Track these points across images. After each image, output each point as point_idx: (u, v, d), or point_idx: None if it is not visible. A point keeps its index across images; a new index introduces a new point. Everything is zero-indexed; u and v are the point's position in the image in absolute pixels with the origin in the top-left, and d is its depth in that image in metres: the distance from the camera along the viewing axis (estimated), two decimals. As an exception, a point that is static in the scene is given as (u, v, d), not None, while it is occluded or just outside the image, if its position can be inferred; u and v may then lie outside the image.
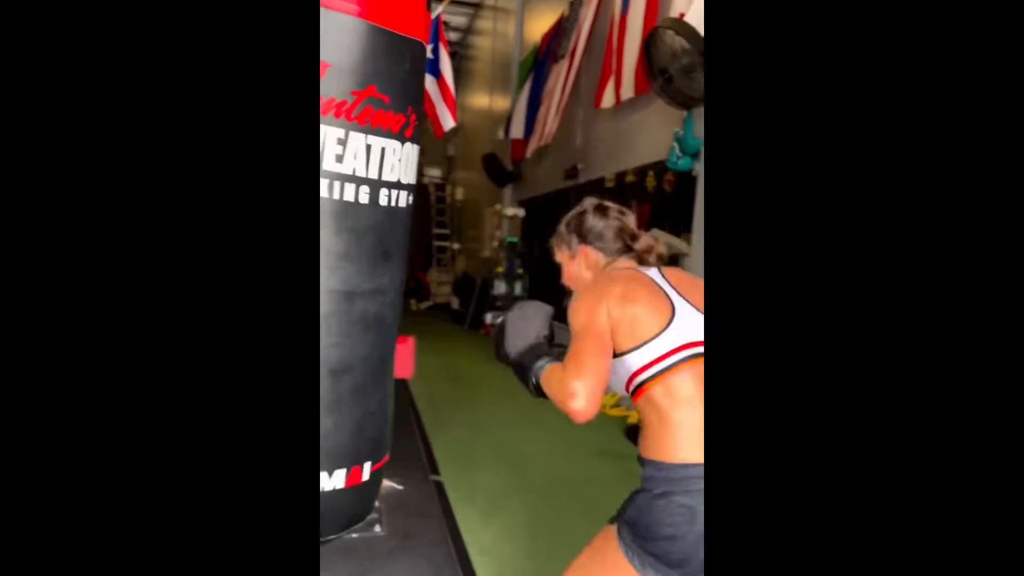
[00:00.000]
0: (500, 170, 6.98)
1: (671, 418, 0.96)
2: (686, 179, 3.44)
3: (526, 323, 1.13)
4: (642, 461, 1.02)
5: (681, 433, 0.95)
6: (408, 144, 1.59)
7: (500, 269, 6.86)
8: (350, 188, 1.49)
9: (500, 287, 6.86)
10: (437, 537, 2.03)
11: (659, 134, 3.72)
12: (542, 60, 5.96)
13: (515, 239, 6.73)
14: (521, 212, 6.63)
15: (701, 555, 0.90)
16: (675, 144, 3.37)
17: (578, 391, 0.92)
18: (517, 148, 6.68)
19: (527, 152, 5.70)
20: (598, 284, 1.08)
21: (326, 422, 1.56)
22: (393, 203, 1.59)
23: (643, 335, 0.98)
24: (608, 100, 4.18)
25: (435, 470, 2.63)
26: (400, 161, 1.57)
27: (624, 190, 4.27)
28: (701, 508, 0.91)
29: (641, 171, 4.02)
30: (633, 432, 3.31)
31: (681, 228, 3.49)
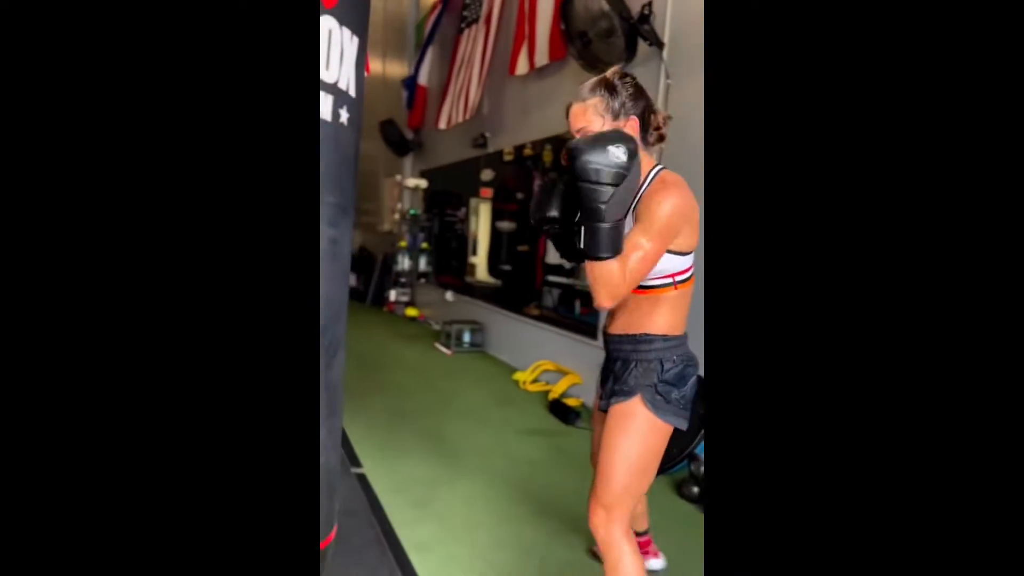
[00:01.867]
0: (400, 139, 6.63)
1: (681, 311, 1.22)
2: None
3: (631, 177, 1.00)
4: (649, 337, 1.20)
5: (682, 320, 1.23)
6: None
7: (403, 244, 6.60)
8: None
9: (404, 262, 6.62)
10: (367, 536, 1.85)
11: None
12: (437, 19, 5.68)
13: (417, 211, 6.47)
14: (424, 183, 6.36)
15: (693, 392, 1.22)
16: (592, 112, 3.30)
17: (615, 292, 1.05)
18: (416, 115, 6.36)
19: (440, 124, 5.40)
20: (682, 188, 1.10)
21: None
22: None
23: (693, 246, 1.16)
24: (522, 67, 4.02)
25: (356, 462, 2.42)
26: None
27: (524, 161, 4.23)
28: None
29: (554, 141, 3.93)
30: (557, 407, 3.27)
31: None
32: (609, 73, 1.17)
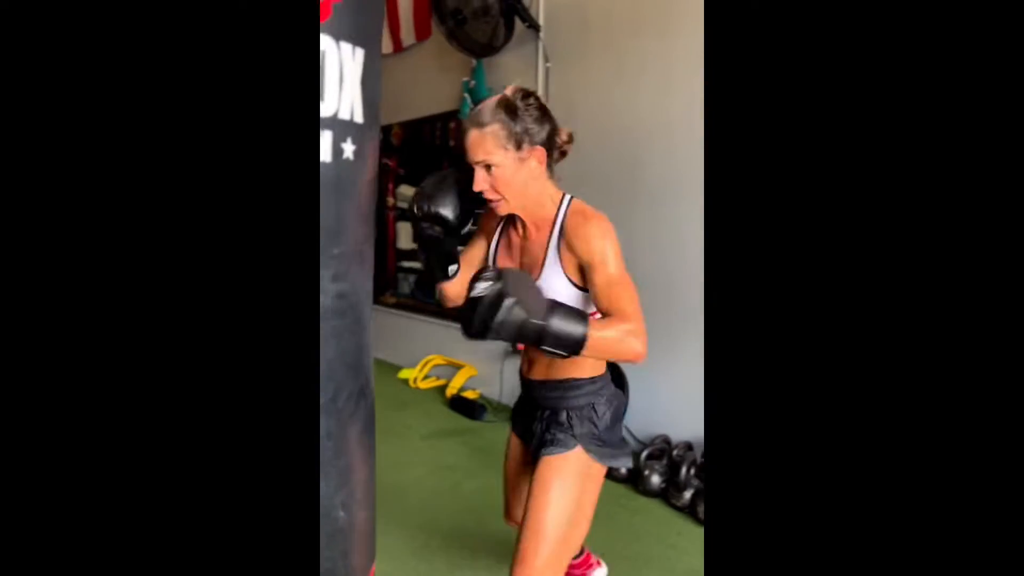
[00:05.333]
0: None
1: None
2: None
3: (529, 284, 0.97)
4: (577, 382, 1.13)
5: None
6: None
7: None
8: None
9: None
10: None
11: (442, 83, 3.46)
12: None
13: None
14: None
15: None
16: (466, 95, 3.17)
17: (644, 338, 0.96)
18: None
19: None
20: (605, 222, 1.04)
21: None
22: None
23: None
24: (385, 46, 3.72)
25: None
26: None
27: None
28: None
29: (429, 122, 3.72)
30: (459, 403, 3.16)
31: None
32: (510, 93, 1.05)
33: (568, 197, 1.10)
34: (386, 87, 3.56)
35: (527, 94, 1.06)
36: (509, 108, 1.02)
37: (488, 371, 3.33)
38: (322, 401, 0.78)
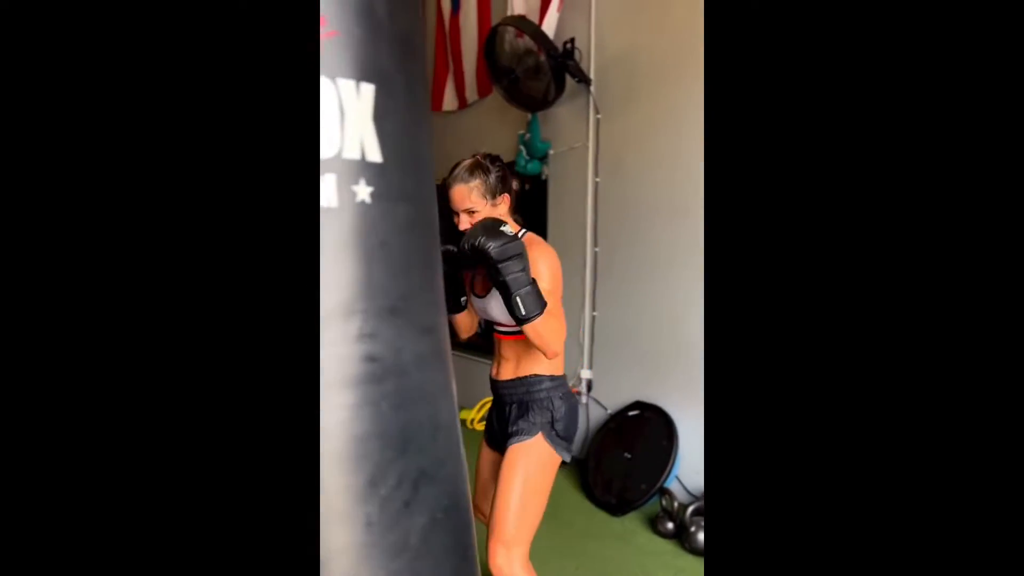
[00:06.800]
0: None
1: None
2: (536, 182, 3.39)
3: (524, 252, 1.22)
4: (538, 378, 1.40)
5: (561, 363, 1.45)
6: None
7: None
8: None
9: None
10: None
11: (500, 137, 3.62)
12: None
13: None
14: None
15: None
16: (522, 148, 3.29)
17: (563, 341, 1.30)
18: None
19: None
20: (548, 248, 1.35)
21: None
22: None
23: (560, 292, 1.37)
24: (450, 102, 3.96)
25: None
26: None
27: (438, 192, 4.18)
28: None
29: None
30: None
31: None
32: (480, 156, 1.37)
33: (523, 231, 1.41)
34: (453, 141, 3.79)
35: (494, 159, 1.39)
36: (482, 168, 1.35)
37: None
38: (358, 484, 0.69)
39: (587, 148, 3.01)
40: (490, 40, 3.03)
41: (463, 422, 3.75)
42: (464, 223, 1.35)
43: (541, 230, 3.40)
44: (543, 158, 3.27)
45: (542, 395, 1.39)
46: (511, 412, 1.43)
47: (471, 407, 3.87)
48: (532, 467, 1.34)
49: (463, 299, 1.45)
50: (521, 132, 3.32)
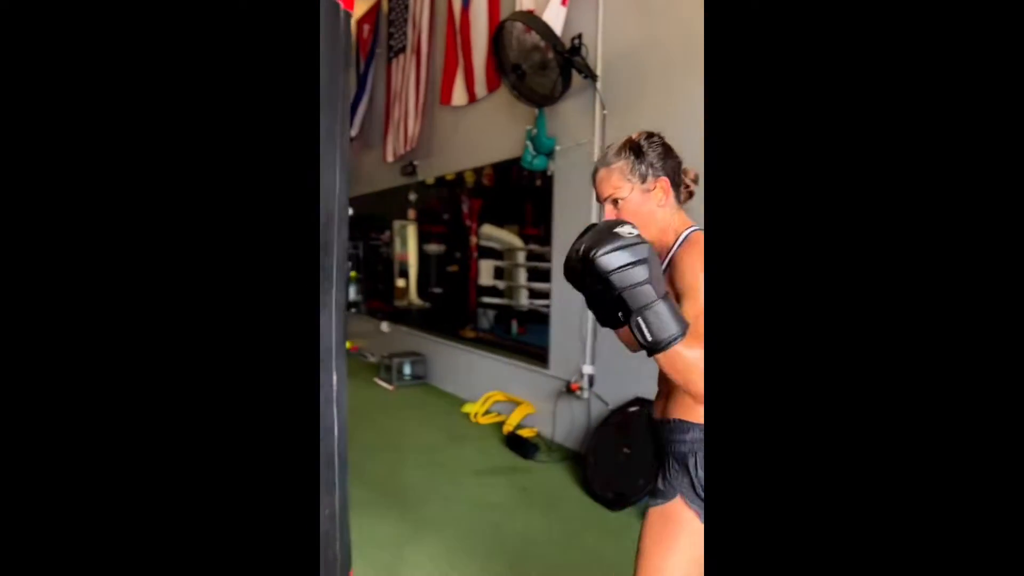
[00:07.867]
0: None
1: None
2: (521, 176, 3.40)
3: (654, 257, 0.89)
4: (686, 425, 1.04)
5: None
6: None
7: (332, 275, 6.35)
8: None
9: (333, 294, 6.37)
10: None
11: (508, 132, 3.62)
12: (370, 53, 5.54)
13: (345, 240, 6.25)
14: (350, 211, 6.15)
15: None
16: (528, 143, 3.30)
17: None
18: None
19: (388, 157, 5.23)
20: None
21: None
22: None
23: None
24: (460, 97, 3.97)
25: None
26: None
27: (445, 186, 4.38)
28: None
29: (495, 167, 3.90)
30: (513, 441, 3.21)
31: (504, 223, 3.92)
32: (635, 135, 1.11)
33: (691, 228, 1.09)
34: (462, 134, 3.82)
35: (651, 135, 1.11)
36: (634, 147, 1.09)
37: (545, 408, 3.36)
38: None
39: (593, 144, 3.00)
40: (498, 35, 3.03)
41: (467, 416, 3.78)
42: (609, 214, 1.08)
43: (546, 225, 3.41)
44: (549, 154, 3.27)
45: (684, 448, 1.05)
46: (665, 461, 1.11)
47: (472, 399, 3.90)
48: (678, 546, 1.02)
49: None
50: (528, 127, 3.32)
